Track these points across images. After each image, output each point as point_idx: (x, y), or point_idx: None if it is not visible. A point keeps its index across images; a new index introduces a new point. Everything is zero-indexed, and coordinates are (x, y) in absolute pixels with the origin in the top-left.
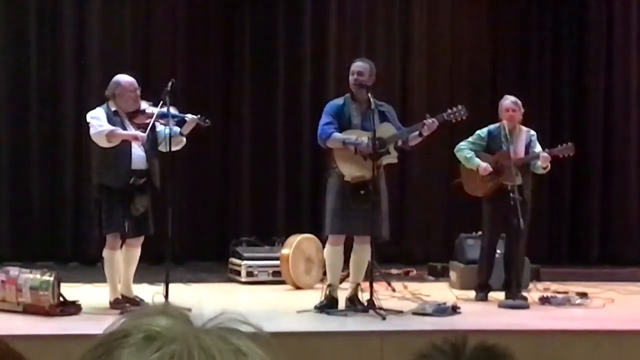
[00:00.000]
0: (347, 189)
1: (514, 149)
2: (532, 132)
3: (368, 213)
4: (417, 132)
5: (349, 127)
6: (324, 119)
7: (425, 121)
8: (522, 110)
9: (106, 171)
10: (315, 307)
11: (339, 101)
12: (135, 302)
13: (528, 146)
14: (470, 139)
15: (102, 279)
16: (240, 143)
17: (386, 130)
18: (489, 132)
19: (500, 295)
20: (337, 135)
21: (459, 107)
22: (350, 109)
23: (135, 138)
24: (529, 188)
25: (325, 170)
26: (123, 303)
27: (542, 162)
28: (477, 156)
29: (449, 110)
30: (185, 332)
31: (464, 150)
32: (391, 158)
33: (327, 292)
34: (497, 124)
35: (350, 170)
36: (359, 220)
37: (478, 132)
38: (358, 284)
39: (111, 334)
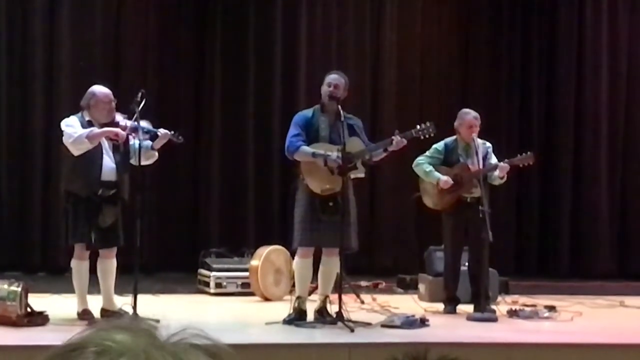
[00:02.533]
0: (316, 201)
1: (472, 161)
2: (488, 144)
3: (337, 225)
4: (382, 147)
5: (317, 139)
6: (292, 130)
7: (393, 138)
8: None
9: (75, 179)
10: (284, 320)
11: (308, 112)
12: (119, 315)
13: (485, 158)
14: (427, 153)
15: (70, 289)
16: (210, 154)
17: (354, 145)
18: (446, 146)
19: (468, 307)
20: (305, 148)
21: (428, 124)
22: (319, 121)
23: (116, 135)
24: (487, 199)
25: (293, 181)
26: (91, 314)
27: (500, 172)
28: (435, 170)
29: (418, 127)
30: (136, 348)
31: (423, 164)
32: (359, 173)
33: (296, 305)
34: (453, 137)
35: (318, 184)
36: (328, 232)
37: (435, 145)
38: (327, 296)
39: (65, 347)
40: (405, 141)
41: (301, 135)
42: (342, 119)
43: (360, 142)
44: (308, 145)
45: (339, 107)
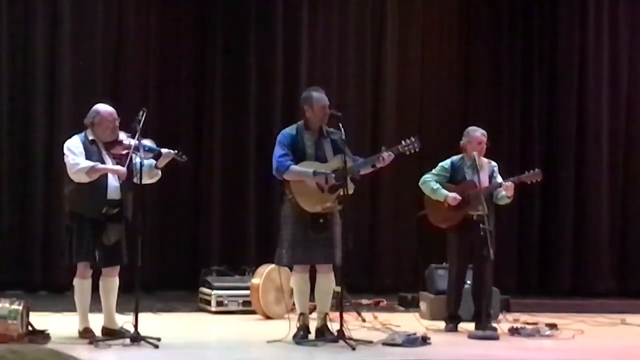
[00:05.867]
0: (306, 218)
1: (479, 179)
2: (494, 163)
3: (327, 241)
4: (370, 164)
5: (303, 157)
6: (279, 150)
7: (382, 155)
8: None
9: (81, 201)
10: (294, 340)
11: (291, 131)
12: (121, 333)
13: (491, 176)
14: (434, 171)
15: (71, 308)
16: (211, 172)
17: (342, 162)
18: (452, 164)
19: (470, 326)
20: (294, 167)
21: (412, 139)
22: (304, 139)
23: (117, 173)
24: (493, 217)
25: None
26: (92, 332)
27: (507, 191)
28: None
29: (403, 143)
30: None
31: (430, 182)
32: (348, 189)
33: (300, 322)
34: (459, 156)
35: (314, 203)
36: (318, 250)
37: (441, 163)
38: (326, 314)
39: None
40: (392, 156)
41: (289, 155)
42: (342, 136)
43: (348, 159)
44: (295, 163)
45: (340, 124)
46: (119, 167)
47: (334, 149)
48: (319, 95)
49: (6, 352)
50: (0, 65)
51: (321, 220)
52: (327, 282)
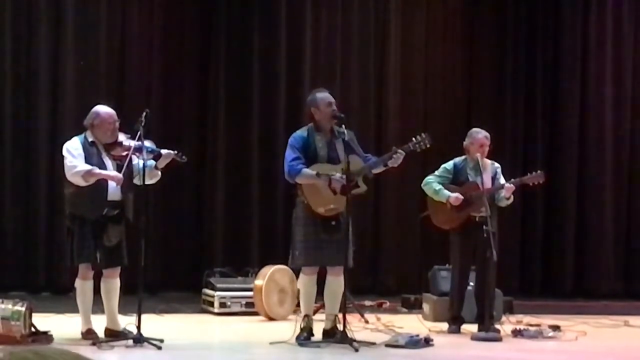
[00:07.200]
0: (318, 220)
1: (481, 180)
2: (497, 164)
3: (341, 243)
4: (382, 163)
5: (315, 158)
6: (291, 153)
7: (395, 155)
8: None
9: (80, 202)
10: (298, 342)
11: (303, 133)
12: (124, 334)
13: (494, 178)
14: (436, 172)
15: (74, 309)
16: (215, 174)
17: (354, 163)
18: (455, 165)
19: (473, 327)
20: (306, 171)
21: (423, 135)
22: (315, 140)
23: (113, 179)
24: (495, 219)
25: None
26: (95, 333)
27: (506, 192)
28: (444, 188)
29: (414, 140)
30: None
31: (432, 183)
32: (360, 190)
33: (305, 323)
34: (462, 157)
35: (322, 204)
36: (331, 251)
37: (444, 165)
38: (336, 316)
39: None
40: (404, 154)
41: (300, 158)
42: (346, 137)
43: (358, 159)
44: (307, 166)
45: (343, 125)
46: (115, 173)
47: (346, 150)
48: (323, 95)
49: (29, 353)
50: (4, 66)
51: (333, 223)
52: (337, 284)
